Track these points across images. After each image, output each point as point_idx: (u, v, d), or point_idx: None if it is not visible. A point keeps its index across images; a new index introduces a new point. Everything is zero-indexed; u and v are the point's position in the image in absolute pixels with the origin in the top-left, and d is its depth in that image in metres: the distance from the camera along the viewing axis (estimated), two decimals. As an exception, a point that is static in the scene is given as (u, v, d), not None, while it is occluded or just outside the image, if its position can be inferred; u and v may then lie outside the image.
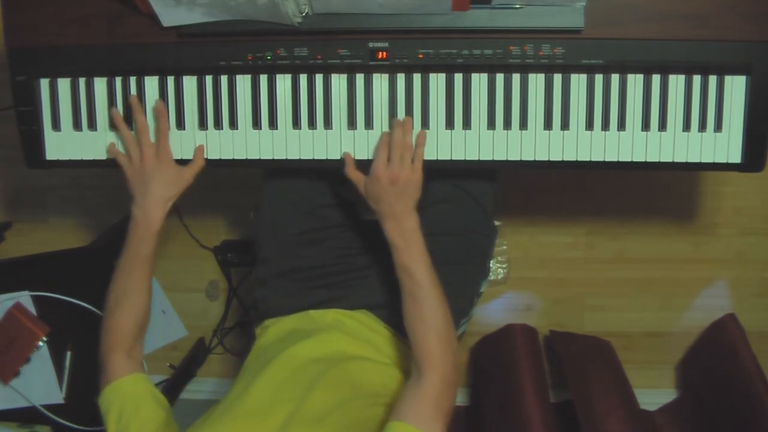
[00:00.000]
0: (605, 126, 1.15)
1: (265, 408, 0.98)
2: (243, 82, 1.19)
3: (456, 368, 1.03)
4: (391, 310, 1.21)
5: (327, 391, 1.02)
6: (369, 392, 1.05)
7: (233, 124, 1.20)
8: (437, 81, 1.16)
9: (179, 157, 1.20)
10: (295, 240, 1.29)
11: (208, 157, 1.21)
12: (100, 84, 1.21)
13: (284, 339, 1.18)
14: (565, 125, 1.15)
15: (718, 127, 1.14)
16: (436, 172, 1.27)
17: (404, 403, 0.98)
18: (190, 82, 1.19)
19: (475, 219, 1.30)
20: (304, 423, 0.95)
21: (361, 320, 1.20)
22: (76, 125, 1.22)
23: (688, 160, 1.15)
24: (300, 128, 1.19)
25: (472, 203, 1.29)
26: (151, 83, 1.20)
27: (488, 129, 1.16)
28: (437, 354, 1.01)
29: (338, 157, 1.18)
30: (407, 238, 1.08)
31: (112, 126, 1.20)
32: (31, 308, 1.45)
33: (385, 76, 1.16)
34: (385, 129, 1.16)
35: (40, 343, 1.45)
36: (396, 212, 1.09)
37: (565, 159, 1.16)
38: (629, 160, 1.15)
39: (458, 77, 1.15)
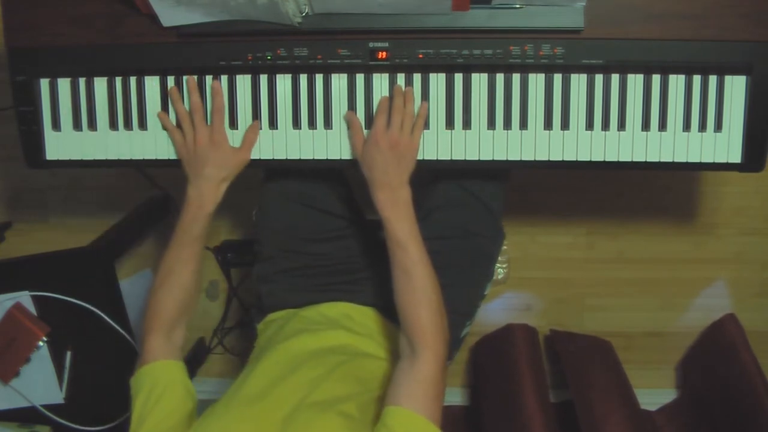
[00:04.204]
0: (605, 126, 1.15)
1: (272, 396, 0.98)
2: (243, 82, 1.19)
3: (447, 345, 1.01)
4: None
5: (334, 383, 1.01)
6: (373, 387, 1.04)
7: (233, 124, 1.19)
8: (437, 81, 1.16)
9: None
10: (301, 238, 1.29)
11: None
12: (100, 84, 1.21)
13: (289, 331, 1.17)
14: (565, 125, 1.15)
15: (718, 127, 1.14)
16: (440, 173, 1.27)
17: (399, 386, 0.95)
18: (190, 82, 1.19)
19: (481, 222, 1.29)
20: (311, 408, 0.94)
21: (368, 315, 1.20)
22: (76, 125, 1.22)
23: (688, 160, 1.15)
24: (300, 128, 1.19)
25: (479, 206, 1.29)
26: (151, 83, 1.20)
27: (488, 129, 1.16)
28: (430, 331, 0.99)
29: (338, 157, 1.18)
30: (399, 209, 1.07)
31: (171, 102, 1.19)
32: (31, 308, 1.45)
33: (385, 76, 1.16)
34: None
35: (40, 343, 1.45)
36: (390, 181, 1.08)
37: (565, 159, 1.16)
38: (629, 160, 1.15)
39: (458, 77, 1.15)
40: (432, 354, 0.97)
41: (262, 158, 1.20)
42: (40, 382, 1.48)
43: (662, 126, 1.14)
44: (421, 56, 1.12)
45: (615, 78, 1.14)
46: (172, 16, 1.11)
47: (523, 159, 1.16)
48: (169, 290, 1.11)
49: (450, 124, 1.16)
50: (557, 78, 1.14)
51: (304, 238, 1.29)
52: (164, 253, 1.14)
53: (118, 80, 1.21)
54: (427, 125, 1.16)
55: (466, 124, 1.16)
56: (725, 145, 1.14)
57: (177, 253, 1.13)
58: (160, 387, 1.02)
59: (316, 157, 1.19)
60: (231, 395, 1.00)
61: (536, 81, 1.14)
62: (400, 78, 1.16)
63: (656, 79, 1.13)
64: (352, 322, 1.19)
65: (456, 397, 2.01)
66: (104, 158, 1.23)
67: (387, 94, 1.16)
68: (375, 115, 1.13)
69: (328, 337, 1.14)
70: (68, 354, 1.47)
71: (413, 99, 1.14)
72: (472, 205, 1.29)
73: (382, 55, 1.12)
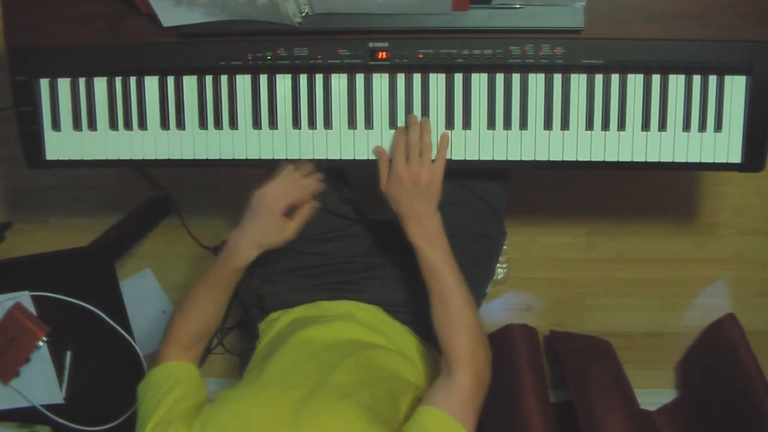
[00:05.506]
0: (605, 126, 1.15)
1: (286, 381, 0.99)
2: (243, 82, 1.19)
3: (489, 365, 1.03)
4: (404, 308, 1.21)
5: (348, 373, 1.02)
6: (385, 378, 1.05)
7: (233, 124, 1.20)
8: (437, 81, 1.16)
9: (179, 157, 1.20)
10: (303, 238, 1.29)
11: (209, 158, 1.20)
12: (100, 84, 1.21)
13: (296, 325, 1.18)
14: (565, 125, 1.15)
15: (718, 127, 1.14)
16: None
17: (436, 393, 0.98)
18: (190, 82, 1.19)
19: (483, 222, 1.29)
20: (329, 395, 0.96)
21: (373, 313, 1.21)
22: (76, 125, 1.22)
23: (688, 160, 1.15)
24: (300, 128, 1.19)
25: (481, 206, 1.29)
26: (151, 83, 1.20)
27: (488, 129, 1.16)
28: (469, 353, 1.00)
29: (338, 157, 1.18)
30: (431, 238, 1.07)
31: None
32: (31, 308, 1.45)
33: (385, 76, 1.16)
34: (386, 129, 1.16)
35: (40, 343, 1.45)
36: (418, 213, 1.07)
37: (565, 159, 1.16)
38: (629, 160, 1.15)
39: (458, 77, 1.15)
40: (471, 373, 0.99)
41: (262, 158, 1.20)
42: (40, 382, 1.48)
43: (662, 126, 1.14)
44: (421, 56, 1.12)
45: (615, 78, 1.14)
46: (172, 16, 1.11)
47: (523, 159, 1.16)
48: (188, 315, 1.13)
49: (450, 124, 1.16)
50: (557, 78, 1.14)
51: (305, 238, 1.29)
52: (196, 279, 1.14)
53: (118, 80, 1.21)
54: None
55: (466, 124, 1.16)
56: (725, 145, 1.14)
57: (203, 288, 1.13)
58: (172, 380, 1.02)
59: (316, 157, 1.19)
60: (245, 383, 1.02)
61: (536, 81, 1.14)
62: (400, 78, 1.16)
63: (656, 79, 1.13)
64: (357, 318, 1.19)
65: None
66: (104, 158, 1.23)
67: (387, 95, 1.16)
68: (393, 150, 1.12)
69: (340, 329, 1.15)
70: (68, 354, 1.47)
71: (429, 129, 1.13)
72: (474, 205, 1.29)
73: (382, 55, 1.12)
